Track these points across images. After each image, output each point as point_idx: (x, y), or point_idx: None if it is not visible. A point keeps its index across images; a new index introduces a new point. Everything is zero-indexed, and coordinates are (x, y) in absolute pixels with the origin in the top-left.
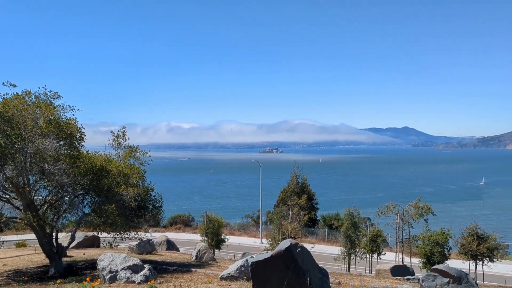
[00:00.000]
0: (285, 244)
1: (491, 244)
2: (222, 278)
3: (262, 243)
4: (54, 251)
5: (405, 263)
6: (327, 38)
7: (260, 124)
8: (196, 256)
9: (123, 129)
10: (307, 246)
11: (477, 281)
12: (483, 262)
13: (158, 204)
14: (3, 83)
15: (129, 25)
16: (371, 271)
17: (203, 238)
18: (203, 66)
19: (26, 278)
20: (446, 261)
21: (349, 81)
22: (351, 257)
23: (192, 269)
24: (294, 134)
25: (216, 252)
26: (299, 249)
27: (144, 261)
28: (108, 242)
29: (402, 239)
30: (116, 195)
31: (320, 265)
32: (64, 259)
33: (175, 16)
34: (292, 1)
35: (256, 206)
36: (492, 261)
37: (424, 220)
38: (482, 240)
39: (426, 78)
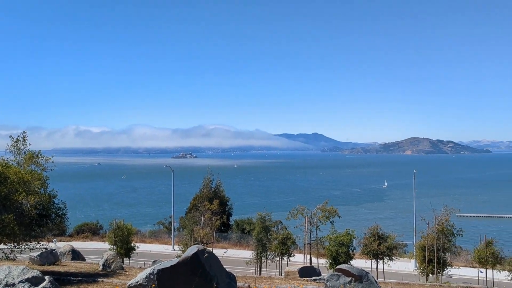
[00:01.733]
0: (192, 250)
1: (391, 243)
2: (129, 287)
3: (174, 250)
4: None
5: (313, 264)
6: (240, 41)
7: (175, 129)
8: (103, 265)
9: (24, 134)
10: (220, 251)
11: (378, 279)
12: (383, 261)
13: (61, 212)
14: None
15: (30, 23)
16: (281, 273)
17: (112, 246)
18: (114, 66)
19: None
20: (350, 261)
21: (261, 87)
22: (263, 260)
23: (99, 279)
24: (209, 139)
25: (126, 260)
26: (206, 254)
27: (46, 273)
28: (5, 253)
29: (310, 241)
30: (14, 203)
31: (231, 270)
32: None
33: (80, 14)
34: (199, 2)
35: (169, 212)
36: (391, 259)
37: (330, 222)
38: (383, 240)
39: (333, 86)
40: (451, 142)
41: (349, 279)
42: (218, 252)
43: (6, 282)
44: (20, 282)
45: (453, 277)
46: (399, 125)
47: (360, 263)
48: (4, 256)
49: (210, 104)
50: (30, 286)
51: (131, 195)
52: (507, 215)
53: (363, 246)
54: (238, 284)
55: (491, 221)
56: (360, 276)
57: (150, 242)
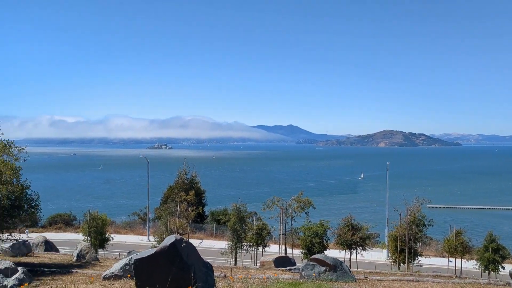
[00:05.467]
0: (169, 240)
1: (364, 234)
2: (105, 278)
3: (149, 241)
4: None
5: (287, 255)
6: (218, 34)
7: (152, 120)
8: (78, 256)
9: None
10: (195, 241)
11: (351, 268)
12: (356, 251)
13: (34, 203)
14: None
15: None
16: (256, 263)
17: (86, 237)
18: (90, 55)
19: None
20: (325, 251)
21: (240, 79)
22: (238, 251)
23: (73, 270)
24: (187, 130)
25: (100, 251)
26: (184, 244)
27: (19, 264)
28: None
29: (285, 231)
30: None
31: (206, 260)
32: None
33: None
34: None
35: (144, 203)
36: (364, 249)
37: (305, 213)
38: (356, 230)
39: (310, 79)
40: (423, 135)
41: (323, 268)
42: (193, 242)
43: None
44: None
45: (423, 266)
46: (373, 118)
47: (334, 253)
48: None
49: (189, 95)
50: (3, 277)
51: (105, 186)
52: (476, 206)
53: (337, 237)
54: (215, 274)
55: (460, 212)
56: (335, 265)
57: (125, 233)
